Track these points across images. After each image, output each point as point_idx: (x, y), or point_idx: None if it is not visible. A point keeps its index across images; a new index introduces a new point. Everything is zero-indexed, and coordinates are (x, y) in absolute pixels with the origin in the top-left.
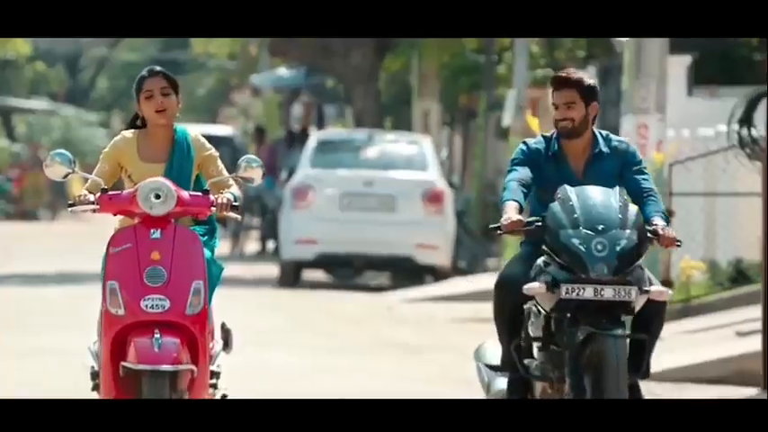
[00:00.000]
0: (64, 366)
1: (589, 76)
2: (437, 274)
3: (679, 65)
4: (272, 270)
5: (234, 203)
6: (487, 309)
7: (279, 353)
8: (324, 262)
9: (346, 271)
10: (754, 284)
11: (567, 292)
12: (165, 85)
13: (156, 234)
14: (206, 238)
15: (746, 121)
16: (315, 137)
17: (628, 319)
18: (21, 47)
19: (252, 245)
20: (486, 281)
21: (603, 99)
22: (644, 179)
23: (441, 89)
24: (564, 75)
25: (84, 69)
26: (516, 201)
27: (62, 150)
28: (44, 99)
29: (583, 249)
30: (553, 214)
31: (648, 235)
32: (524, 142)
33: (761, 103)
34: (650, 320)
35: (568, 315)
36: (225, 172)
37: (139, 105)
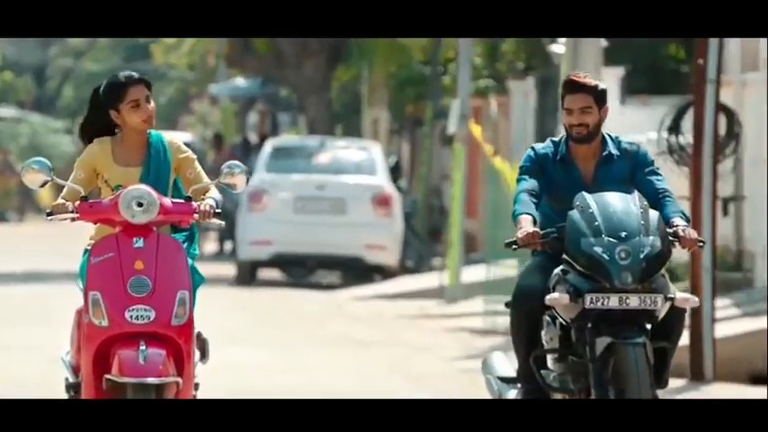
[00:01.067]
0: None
1: (600, 80)
2: (385, 273)
3: (612, 76)
4: (230, 269)
5: (216, 210)
6: (432, 305)
7: (238, 349)
8: (278, 262)
9: (300, 270)
10: (681, 282)
11: (591, 302)
12: (147, 93)
13: (139, 243)
14: (185, 245)
15: (675, 129)
16: (270, 143)
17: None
18: None
19: (210, 245)
20: (431, 279)
21: (542, 108)
22: (657, 180)
23: (389, 98)
24: (579, 79)
25: (51, 79)
26: (529, 213)
27: (40, 158)
28: (12, 107)
29: (606, 258)
30: (573, 222)
31: (670, 238)
32: (532, 147)
33: (687, 112)
34: (671, 328)
35: (589, 325)
36: (203, 174)
37: (119, 113)
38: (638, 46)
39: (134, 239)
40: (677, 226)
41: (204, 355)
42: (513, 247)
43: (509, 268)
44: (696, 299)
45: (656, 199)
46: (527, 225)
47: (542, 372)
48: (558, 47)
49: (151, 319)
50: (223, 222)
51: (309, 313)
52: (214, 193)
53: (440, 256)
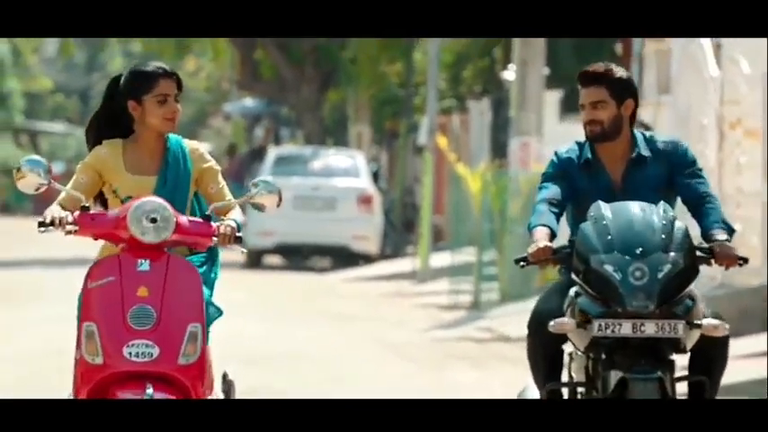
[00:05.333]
0: None
1: (622, 69)
2: (368, 259)
3: (553, 97)
4: (239, 256)
5: (237, 234)
6: (406, 285)
7: (246, 321)
8: (280, 250)
9: (297, 257)
10: None
11: (599, 329)
12: (177, 91)
13: (145, 265)
14: (203, 269)
15: None
16: (273, 152)
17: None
18: (44, 83)
19: None
20: (405, 264)
21: (496, 124)
22: (699, 182)
23: (371, 116)
24: (590, 69)
25: (94, 99)
26: (546, 225)
27: (35, 156)
28: (62, 123)
29: (618, 277)
30: (584, 236)
31: (701, 254)
32: (555, 152)
33: None
34: (711, 359)
35: (603, 356)
36: (227, 191)
37: (139, 105)
38: (575, 72)
39: (139, 261)
40: (715, 240)
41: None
42: (521, 264)
43: (469, 255)
44: (727, 325)
45: (696, 205)
46: (541, 239)
47: None
48: (509, 73)
49: (153, 357)
50: (245, 250)
51: (305, 292)
52: (237, 214)
53: (412, 245)
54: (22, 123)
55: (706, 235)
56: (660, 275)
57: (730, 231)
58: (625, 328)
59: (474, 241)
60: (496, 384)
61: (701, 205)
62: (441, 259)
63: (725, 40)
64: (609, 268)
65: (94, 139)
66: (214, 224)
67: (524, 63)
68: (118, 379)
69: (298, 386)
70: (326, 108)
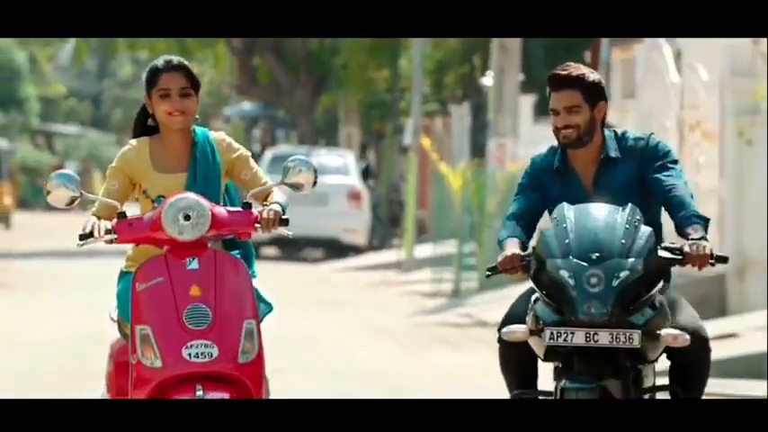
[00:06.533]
0: None
1: (591, 71)
2: (357, 250)
3: (527, 101)
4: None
5: (283, 216)
6: (392, 274)
7: None
8: (276, 241)
9: (292, 248)
10: None
11: (551, 338)
12: (185, 84)
13: (194, 264)
14: None
15: None
16: (269, 152)
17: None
18: (58, 89)
19: None
20: (391, 255)
21: (475, 126)
22: (667, 175)
23: (360, 118)
24: (563, 72)
25: (104, 103)
26: (515, 237)
27: (66, 171)
28: (76, 125)
29: (572, 283)
30: (543, 240)
31: (671, 255)
32: (531, 160)
33: None
34: (688, 370)
35: (558, 365)
36: (262, 174)
37: (150, 102)
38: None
39: (187, 260)
40: (690, 238)
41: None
42: (489, 274)
43: (450, 247)
44: (687, 336)
45: (666, 198)
46: (510, 247)
47: None
48: (487, 79)
49: (214, 357)
50: (290, 232)
51: (299, 280)
52: (278, 196)
53: (398, 237)
54: (39, 126)
55: (680, 232)
56: (616, 282)
57: (705, 224)
58: (578, 338)
59: (455, 234)
60: (474, 364)
61: (669, 198)
62: (424, 250)
63: (684, 49)
64: (564, 274)
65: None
66: (254, 211)
67: (501, 70)
68: (173, 381)
69: (295, 365)
70: (319, 111)
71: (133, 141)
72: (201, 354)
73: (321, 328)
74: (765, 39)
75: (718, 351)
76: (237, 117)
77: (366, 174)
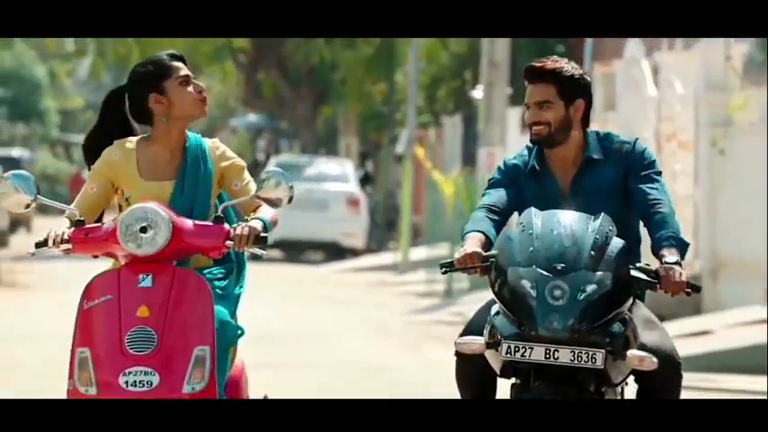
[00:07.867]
0: None
1: (574, 66)
2: (355, 253)
3: (515, 113)
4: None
5: (262, 233)
6: (388, 276)
7: (252, 305)
8: (279, 245)
9: (294, 251)
10: None
11: (508, 352)
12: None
13: (147, 281)
14: (225, 282)
15: None
16: (273, 161)
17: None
18: (76, 102)
19: None
20: (387, 257)
21: (466, 136)
22: (651, 187)
23: (358, 129)
24: (537, 64)
25: None
26: (480, 231)
27: (21, 171)
28: None
29: (533, 294)
30: (506, 245)
31: (645, 277)
32: (503, 160)
33: None
34: (652, 395)
35: (516, 382)
36: (252, 186)
37: (162, 95)
38: None
39: (140, 277)
40: (665, 262)
41: None
42: (444, 270)
43: (443, 250)
44: (655, 360)
45: (646, 213)
46: (471, 245)
47: None
48: (478, 93)
49: (153, 386)
50: (265, 252)
51: (301, 281)
52: (265, 212)
53: (394, 241)
54: (58, 136)
55: (656, 252)
56: (581, 297)
57: (682, 248)
58: (537, 354)
59: (447, 238)
60: None
61: (651, 214)
62: (418, 253)
63: (662, 64)
64: (525, 284)
65: (94, 155)
66: (226, 226)
67: (490, 84)
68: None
69: (298, 359)
70: (320, 122)
71: (121, 141)
72: (140, 382)
73: (322, 325)
74: (738, 55)
75: (694, 347)
76: (243, 128)
77: (365, 181)
